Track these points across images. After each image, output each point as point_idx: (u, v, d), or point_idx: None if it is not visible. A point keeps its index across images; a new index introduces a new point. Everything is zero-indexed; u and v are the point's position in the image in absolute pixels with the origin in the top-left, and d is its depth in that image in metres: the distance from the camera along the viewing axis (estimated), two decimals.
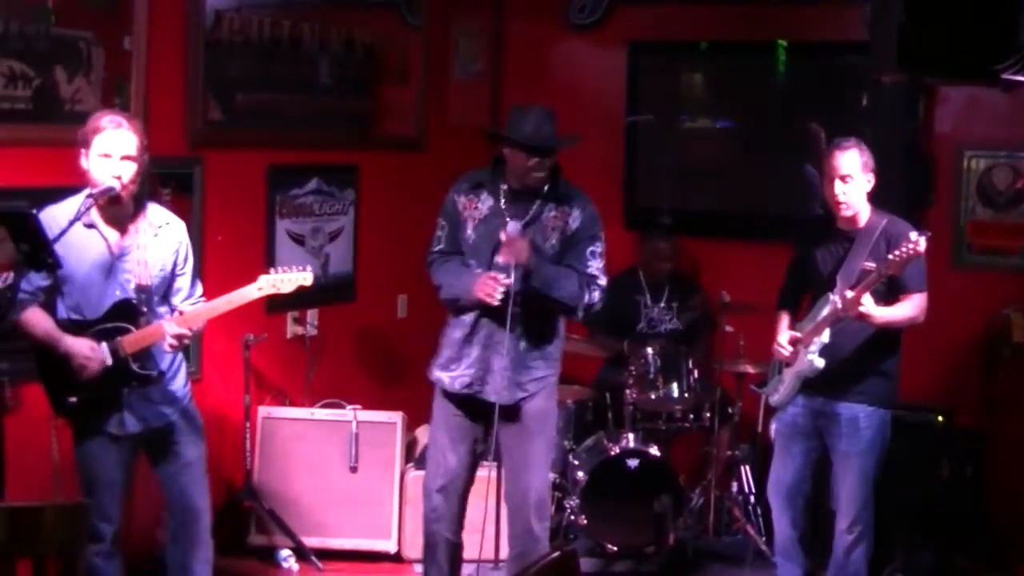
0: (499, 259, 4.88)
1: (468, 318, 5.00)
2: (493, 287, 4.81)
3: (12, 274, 4.58)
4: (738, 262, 7.18)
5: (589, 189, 5.18)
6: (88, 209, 4.45)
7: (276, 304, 6.25)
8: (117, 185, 4.45)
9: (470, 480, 5.19)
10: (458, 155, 7.05)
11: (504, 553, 5.73)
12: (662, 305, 6.96)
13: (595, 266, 5.03)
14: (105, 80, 5.38)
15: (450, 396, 5.10)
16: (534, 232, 4.95)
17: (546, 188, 5.01)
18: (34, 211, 4.24)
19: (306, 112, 6.49)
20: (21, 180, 5.05)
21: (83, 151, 4.51)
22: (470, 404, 5.07)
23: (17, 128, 5.09)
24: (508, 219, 4.91)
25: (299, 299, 6.31)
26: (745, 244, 7.24)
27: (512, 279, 4.82)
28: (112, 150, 4.46)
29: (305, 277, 4.62)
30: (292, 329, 6.49)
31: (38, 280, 4.53)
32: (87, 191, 4.49)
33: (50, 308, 4.61)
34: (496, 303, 4.81)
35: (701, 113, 7.65)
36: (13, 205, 4.61)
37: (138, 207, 4.63)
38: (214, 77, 5.91)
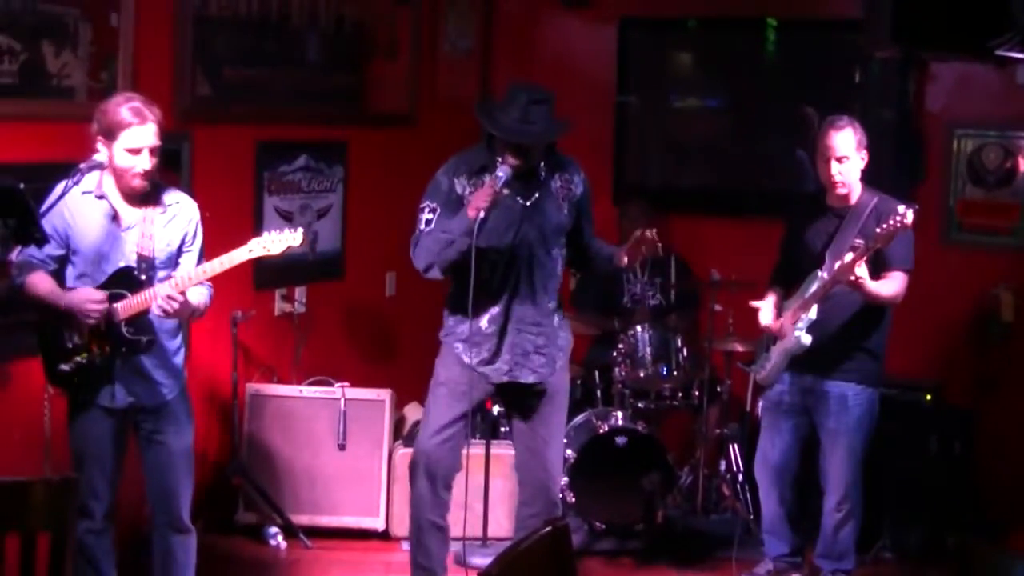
0: None
1: (495, 308, 4.94)
2: (488, 191, 4.74)
3: None
4: (728, 239, 7.19)
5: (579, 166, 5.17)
6: (76, 183, 4.44)
7: (264, 281, 6.28)
8: (106, 159, 4.46)
9: (459, 463, 5.12)
10: (448, 132, 7.05)
11: (497, 530, 5.75)
12: (644, 280, 6.97)
13: (593, 234, 5.18)
14: (92, 55, 5.35)
15: (469, 377, 5.00)
16: (547, 206, 4.94)
17: (542, 163, 4.98)
18: (21, 186, 4.21)
19: (295, 88, 6.46)
20: (8, 155, 5.00)
21: (101, 138, 4.50)
22: (486, 385, 5.01)
23: (4, 103, 5.05)
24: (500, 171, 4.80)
25: (287, 276, 6.39)
26: (734, 221, 7.26)
27: (501, 177, 4.76)
28: (141, 144, 4.48)
29: (294, 237, 4.60)
30: (280, 306, 6.47)
31: (50, 248, 4.53)
32: (80, 164, 4.48)
33: (59, 278, 4.60)
34: (492, 197, 4.74)
35: (691, 91, 7.65)
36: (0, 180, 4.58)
37: (153, 188, 4.64)
38: (202, 52, 5.87)
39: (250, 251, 4.57)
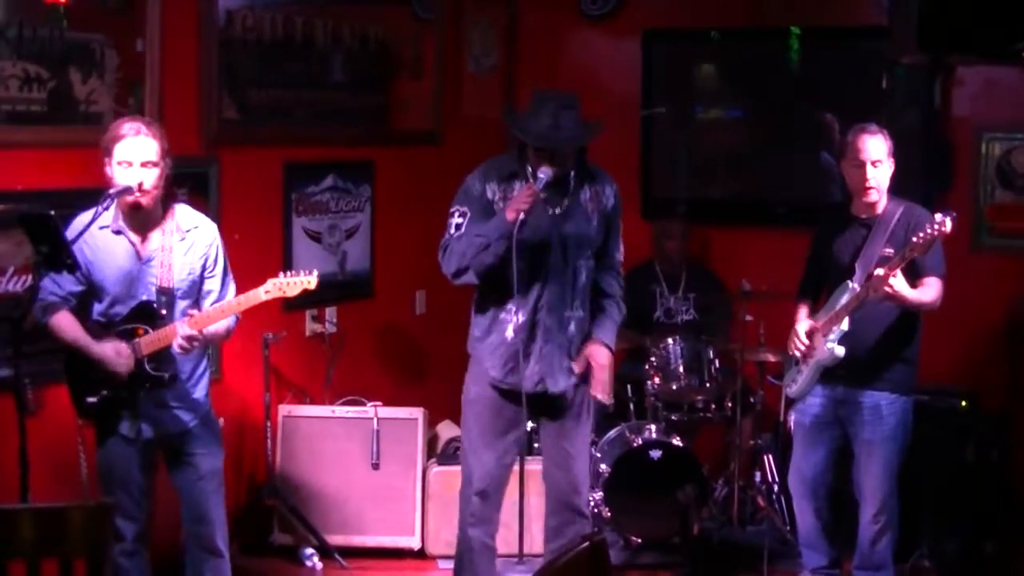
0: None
1: (521, 317, 4.86)
2: (528, 193, 4.69)
3: (31, 277, 4.62)
4: (757, 250, 7.16)
5: None
6: (106, 208, 4.46)
7: (294, 302, 6.25)
8: (135, 184, 4.46)
9: (508, 479, 5.12)
10: (473, 149, 7.00)
11: (532, 547, 5.73)
12: (679, 295, 6.97)
13: (621, 249, 5.10)
14: (119, 81, 5.39)
15: (499, 392, 4.96)
16: (577, 216, 4.89)
17: (572, 172, 4.92)
18: (52, 213, 4.24)
19: (320, 108, 6.49)
20: (38, 182, 5.05)
21: (106, 159, 4.52)
22: (516, 397, 4.90)
23: (33, 130, 5.10)
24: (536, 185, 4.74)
25: (317, 296, 6.31)
26: (763, 232, 7.23)
27: (542, 179, 4.71)
28: (132, 157, 4.47)
29: (309, 281, 4.66)
30: (311, 327, 6.48)
31: (70, 284, 4.56)
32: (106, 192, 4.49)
33: (85, 310, 4.63)
34: (532, 199, 4.68)
35: (716, 102, 7.63)
36: (31, 207, 4.60)
37: (165, 211, 4.64)
38: (228, 76, 5.90)
39: (266, 292, 4.62)
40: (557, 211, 4.88)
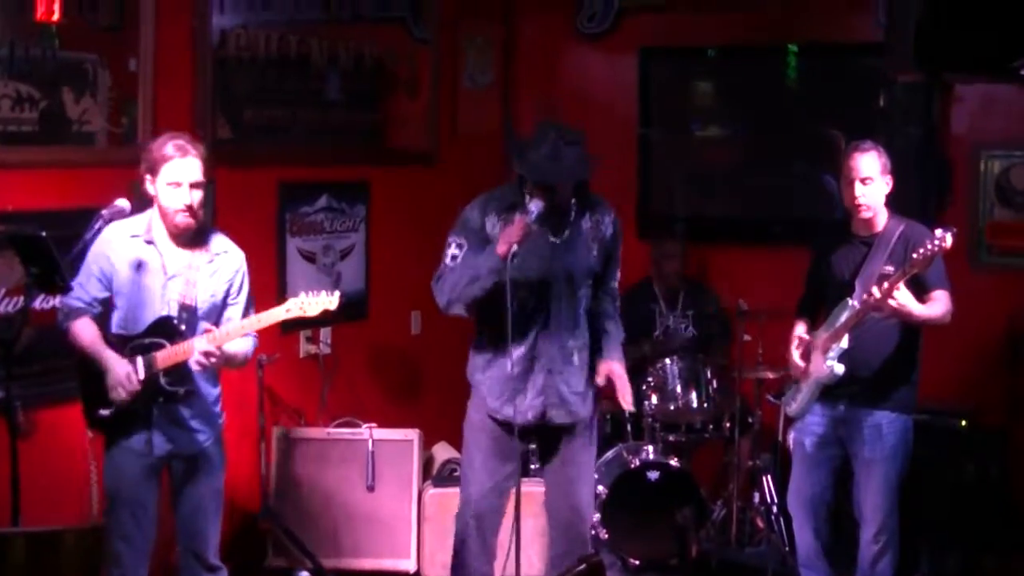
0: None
1: (520, 349, 4.87)
2: (519, 227, 4.68)
3: (23, 298, 4.61)
4: (754, 269, 7.16)
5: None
6: (100, 230, 4.47)
7: (289, 324, 6.22)
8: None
9: (506, 505, 5.10)
10: (470, 167, 7.08)
11: (529, 570, 5.70)
12: (677, 313, 6.96)
13: (618, 276, 5.13)
14: (112, 100, 5.38)
15: (499, 422, 4.99)
16: (578, 246, 4.92)
17: (573, 201, 4.96)
18: (44, 233, 4.24)
19: (315, 128, 6.49)
20: (29, 203, 5.04)
21: (148, 176, 4.55)
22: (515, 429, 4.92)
23: (25, 150, 5.08)
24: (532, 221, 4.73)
25: (312, 318, 6.35)
26: (761, 250, 7.24)
27: (533, 212, 4.69)
28: (182, 178, 4.51)
29: (331, 301, 4.66)
30: (305, 348, 6.47)
31: (96, 290, 4.59)
32: (102, 211, 4.50)
33: (105, 320, 4.64)
34: (523, 233, 4.67)
35: (713, 120, 7.66)
36: (23, 228, 4.60)
37: (201, 231, 4.67)
38: (222, 95, 5.90)
39: (287, 311, 4.63)
40: (558, 241, 4.92)
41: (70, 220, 4.63)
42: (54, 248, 4.28)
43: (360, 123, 6.80)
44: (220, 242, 4.75)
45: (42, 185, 5.12)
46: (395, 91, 7.01)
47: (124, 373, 4.51)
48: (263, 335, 5.74)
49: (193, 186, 4.53)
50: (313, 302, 4.64)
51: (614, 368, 5.03)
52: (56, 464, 5.08)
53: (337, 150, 6.65)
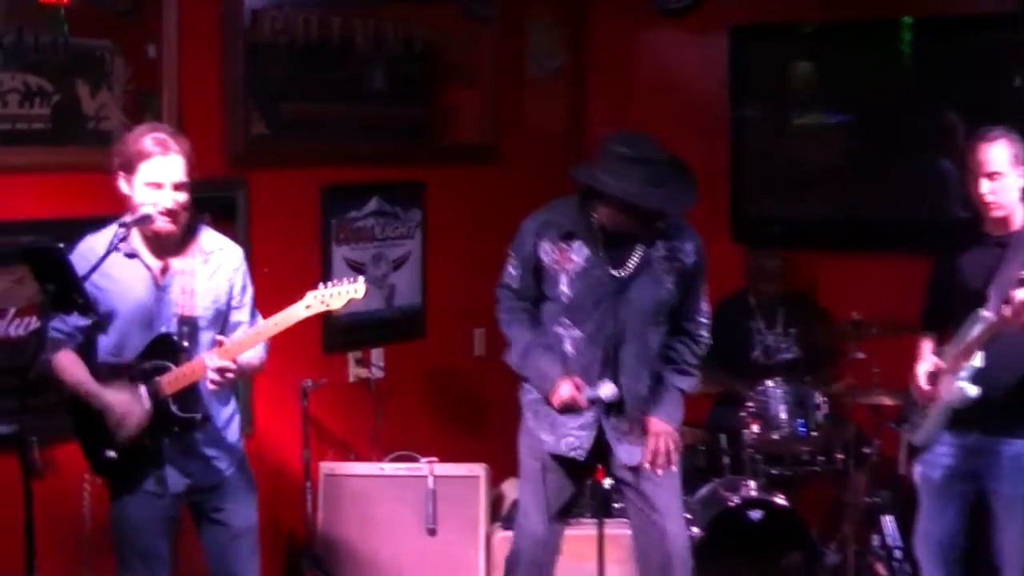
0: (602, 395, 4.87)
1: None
2: (570, 401, 4.88)
3: (36, 319, 4.60)
4: (866, 277, 7.06)
5: None
6: (120, 241, 4.42)
7: (335, 343, 6.30)
8: (154, 212, 4.44)
9: (559, 547, 5.17)
10: (536, 164, 7.08)
11: None
12: (778, 331, 6.95)
13: (706, 311, 5.13)
14: (130, 94, 5.39)
15: (555, 457, 5.07)
16: (647, 278, 4.92)
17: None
18: (61, 245, 4.21)
19: (362, 123, 6.50)
20: (42, 211, 5.06)
21: (122, 175, 4.48)
22: (571, 465, 5.05)
23: (35, 151, 5.10)
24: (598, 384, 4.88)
25: (361, 336, 6.41)
26: (875, 256, 7.14)
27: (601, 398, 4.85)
28: (163, 178, 4.44)
29: (356, 289, 4.53)
30: (355, 372, 6.49)
31: (75, 318, 4.51)
32: (120, 219, 4.46)
33: (90, 347, 4.60)
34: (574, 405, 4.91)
35: (815, 106, 7.58)
36: (36, 240, 4.59)
37: (187, 233, 4.61)
38: (256, 86, 5.91)
39: (307, 307, 4.51)
40: (621, 274, 4.92)
41: (86, 230, 4.60)
42: (71, 262, 4.26)
43: (412, 116, 6.81)
44: (211, 239, 4.69)
45: (55, 190, 5.13)
46: (451, 79, 7.02)
47: (125, 397, 4.47)
48: (306, 358, 5.75)
49: (176, 187, 4.46)
50: (336, 292, 4.53)
51: (653, 425, 5.03)
52: (64, 507, 5.09)
53: (387, 148, 6.66)
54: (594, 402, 4.85)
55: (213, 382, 4.46)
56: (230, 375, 4.47)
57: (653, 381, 5.03)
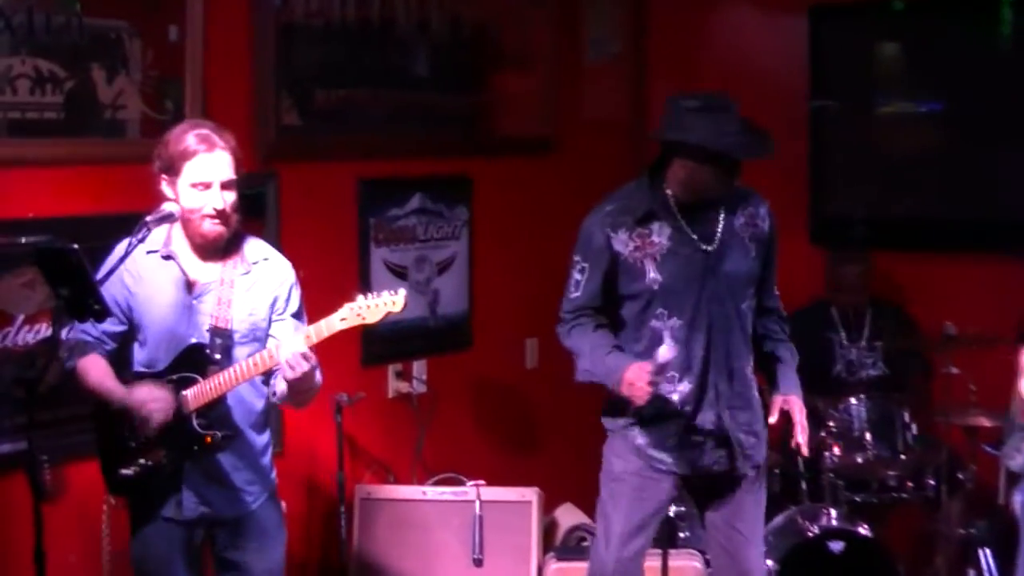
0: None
1: (686, 384, 4.91)
2: (642, 390, 4.73)
3: (47, 326, 4.58)
4: (962, 283, 7.04)
5: (765, 194, 5.13)
6: (142, 240, 4.42)
7: (374, 355, 6.32)
8: (177, 210, 4.44)
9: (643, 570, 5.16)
10: (595, 157, 7.07)
11: None
12: (862, 344, 6.93)
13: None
14: (150, 80, 5.39)
15: (652, 467, 5.02)
16: (736, 249, 4.91)
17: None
18: (75, 246, 4.19)
19: (403, 112, 6.51)
20: (54, 208, 5.07)
21: (165, 178, 4.49)
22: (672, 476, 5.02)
23: (47, 143, 5.10)
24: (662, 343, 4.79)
25: (402, 347, 6.41)
26: (970, 259, 7.10)
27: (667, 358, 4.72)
28: (210, 177, 4.44)
29: (394, 302, 4.50)
30: (395, 386, 6.50)
31: (108, 323, 4.52)
32: (147, 217, 4.45)
33: (125, 357, 4.62)
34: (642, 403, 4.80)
35: (903, 92, 7.55)
36: (47, 239, 4.58)
37: (233, 239, 4.60)
38: (288, 72, 5.92)
39: (342, 319, 4.46)
40: (710, 248, 4.89)
41: (104, 229, 4.61)
42: (88, 264, 4.23)
43: (458, 105, 6.82)
44: (257, 249, 4.68)
45: (68, 185, 5.14)
46: (501, 65, 7.03)
47: (146, 391, 4.44)
48: (342, 370, 5.73)
49: (224, 186, 4.46)
50: (373, 305, 4.49)
51: (792, 402, 5.04)
52: (84, 529, 5.11)
53: (431, 139, 6.67)
54: (662, 370, 4.73)
55: (290, 366, 4.31)
56: (305, 365, 4.33)
57: (750, 361, 5.04)
